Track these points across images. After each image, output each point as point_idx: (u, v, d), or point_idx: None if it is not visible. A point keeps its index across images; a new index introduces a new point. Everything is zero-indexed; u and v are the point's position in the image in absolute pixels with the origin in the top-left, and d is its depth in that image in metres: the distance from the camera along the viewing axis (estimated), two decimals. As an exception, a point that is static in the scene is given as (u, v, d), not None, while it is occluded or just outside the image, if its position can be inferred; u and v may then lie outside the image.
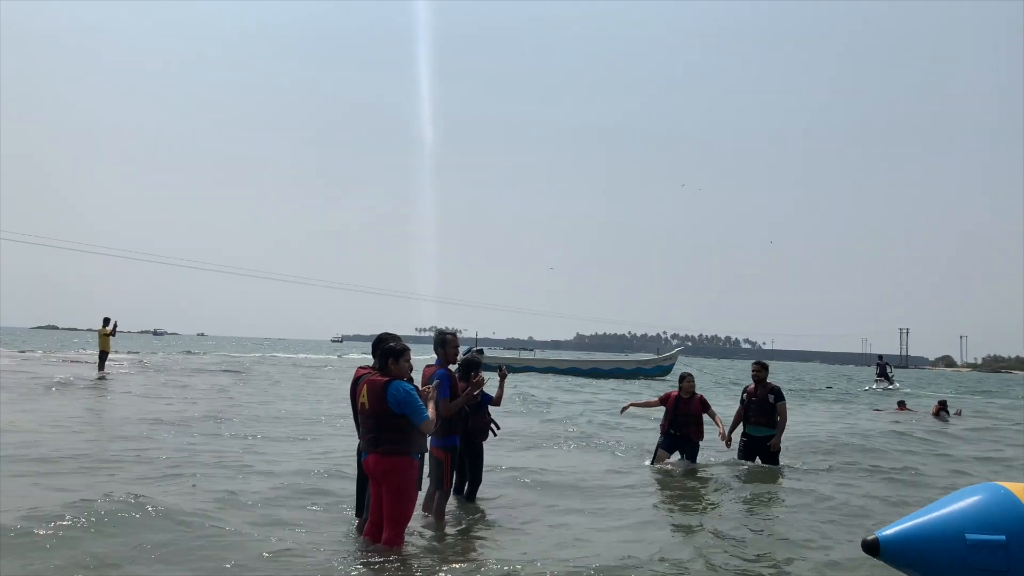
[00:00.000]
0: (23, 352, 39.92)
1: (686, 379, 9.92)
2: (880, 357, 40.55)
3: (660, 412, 10.26)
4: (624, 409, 10.62)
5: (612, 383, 34.15)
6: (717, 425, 9.71)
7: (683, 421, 9.75)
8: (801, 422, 17.20)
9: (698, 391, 9.97)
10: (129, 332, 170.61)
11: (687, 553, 5.97)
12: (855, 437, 14.35)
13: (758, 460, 9.91)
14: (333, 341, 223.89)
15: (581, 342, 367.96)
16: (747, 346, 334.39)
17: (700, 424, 9.77)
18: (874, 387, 36.99)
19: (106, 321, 24.21)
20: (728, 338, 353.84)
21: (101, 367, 24.39)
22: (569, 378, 36.15)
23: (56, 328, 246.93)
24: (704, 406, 9.80)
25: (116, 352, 34.28)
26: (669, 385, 25.92)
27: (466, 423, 7.22)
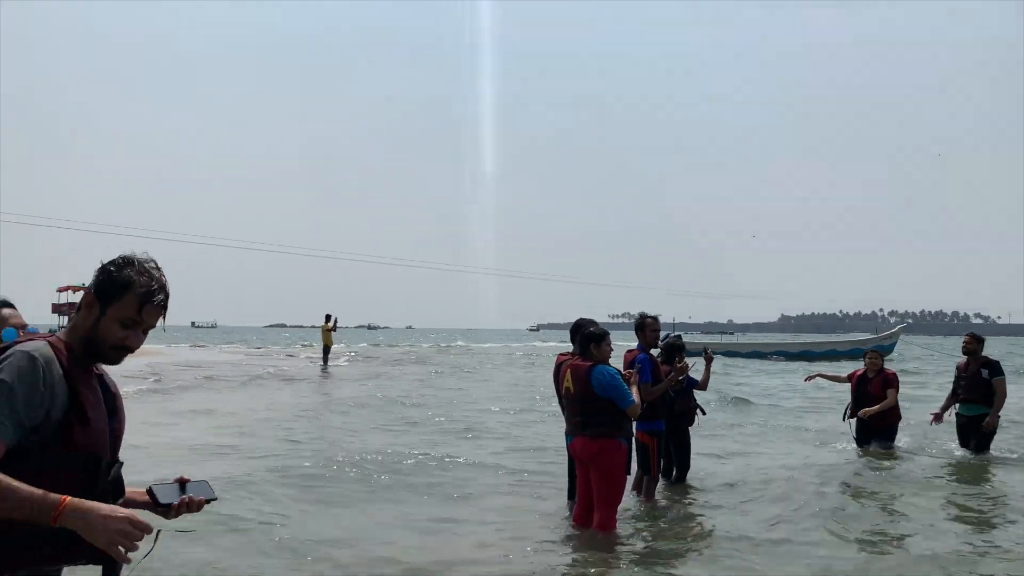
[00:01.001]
0: (259, 348, 44.36)
1: (870, 355, 9.08)
2: None
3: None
4: (810, 378, 9.91)
5: (824, 365, 32.04)
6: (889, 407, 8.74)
7: (863, 403, 8.92)
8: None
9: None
10: (346, 327, 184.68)
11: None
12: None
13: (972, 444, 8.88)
14: (530, 330, 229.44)
15: (786, 323, 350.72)
16: (978, 321, 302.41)
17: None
18: None
19: (327, 318, 26.20)
20: (955, 313, 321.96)
21: (325, 361, 26.47)
22: (777, 362, 34.36)
23: (285, 326, 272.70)
24: (887, 383, 8.81)
25: (337, 345, 37.10)
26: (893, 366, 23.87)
27: (671, 408, 7.09)
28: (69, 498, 1.75)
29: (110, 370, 2.11)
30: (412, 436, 10.70)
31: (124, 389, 2.84)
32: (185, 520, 2.16)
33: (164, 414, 12.26)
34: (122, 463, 2.01)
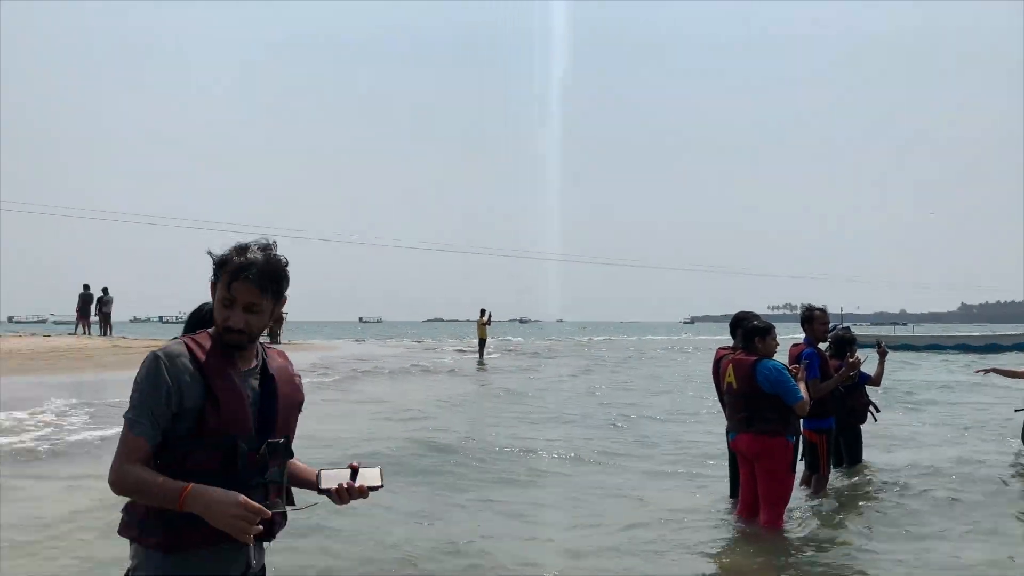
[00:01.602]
0: (419, 342, 46.10)
1: None
2: None
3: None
4: (985, 372, 8.93)
5: (1010, 357, 29.07)
6: None
7: None
8: None
9: None
10: (499, 321, 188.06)
11: None
12: None
13: None
14: (684, 323, 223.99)
15: (967, 313, 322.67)
16: None
17: None
18: None
19: (482, 312, 26.90)
20: None
21: (481, 353, 27.17)
22: (957, 356, 31.52)
23: (441, 320, 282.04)
24: None
25: (490, 338, 37.90)
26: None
27: (842, 404, 6.75)
28: (191, 486, 1.91)
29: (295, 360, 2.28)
30: (568, 429, 10.78)
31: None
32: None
33: (335, 403, 13.03)
34: (281, 441, 2.10)
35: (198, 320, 2.42)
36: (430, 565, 4.87)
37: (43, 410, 11.14)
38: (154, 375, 1.98)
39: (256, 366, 2.13)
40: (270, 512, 1.96)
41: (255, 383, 2.11)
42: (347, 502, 2.11)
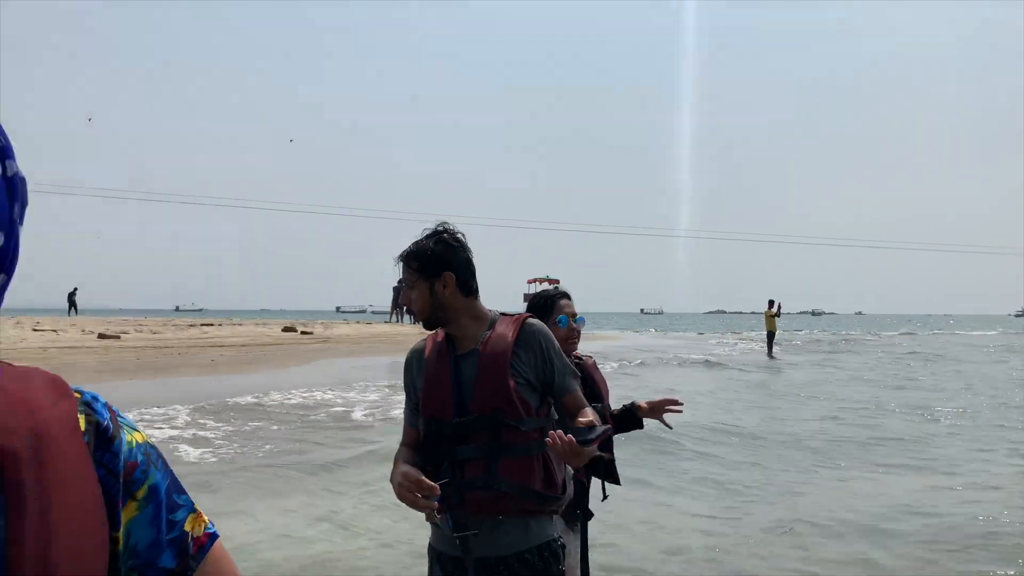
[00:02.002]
0: (700, 334, 45.17)
1: None
2: None
3: None
4: None
5: None
6: None
7: None
8: None
9: None
10: (789, 313, 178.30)
11: None
12: None
13: None
14: (1016, 315, 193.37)
15: None
16: None
17: None
18: None
19: (771, 303, 25.56)
20: None
21: (770, 347, 25.86)
22: None
23: (724, 312, 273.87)
24: None
25: (780, 331, 36.05)
26: None
27: None
28: (397, 461, 2.13)
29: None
30: (876, 423, 9.87)
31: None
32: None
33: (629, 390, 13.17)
34: (479, 417, 2.10)
35: (535, 306, 2.75)
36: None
37: (368, 386, 12.64)
38: (405, 369, 2.30)
39: (476, 347, 2.18)
40: (437, 489, 1.96)
41: (470, 364, 2.17)
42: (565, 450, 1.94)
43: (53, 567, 0.66)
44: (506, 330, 2.20)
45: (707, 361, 21.69)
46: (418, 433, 2.20)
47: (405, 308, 29.36)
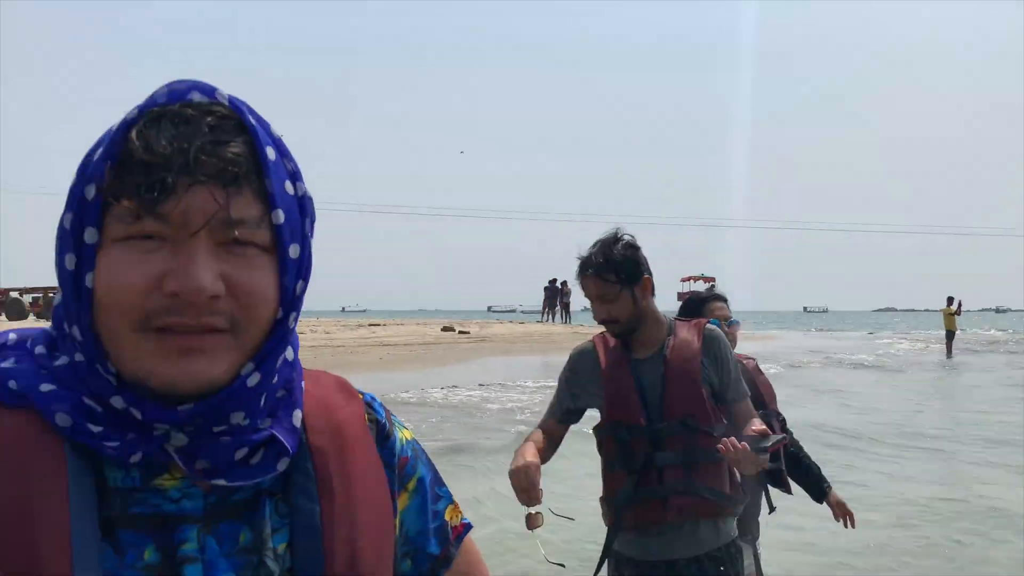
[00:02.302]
0: (871, 333, 42.51)
1: None
2: None
3: None
4: None
5: None
6: None
7: None
8: None
9: None
10: (969, 311, 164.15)
11: None
12: None
13: None
14: None
15: None
16: None
17: None
18: None
19: (950, 300, 23.75)
20: None
21: (949, 348, 24.02)
22: None
23: (894, 310, 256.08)
24: None
25: (960, 331, 33.42)
26: None
27: None
28: (529, 443, 2.16)
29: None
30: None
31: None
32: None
33: (794, 391, 12.70)
34: (675, 423, 2.13)
35: (687, 308, 2.70)
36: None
37: (518, 385, 12.91)
38: (566, 369, 2.32)
39: (657, 351, 2.20)
40: (539, 500, 1.99)
41: (653, 369, 2.18)
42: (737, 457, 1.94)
43: (358, 547, 0.75)
44: (690, 336, 2.22)
45: (880, 363, 20.43)
46: (558, 425, 2.29)
47: (559, 308, 29.63)
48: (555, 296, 29.64)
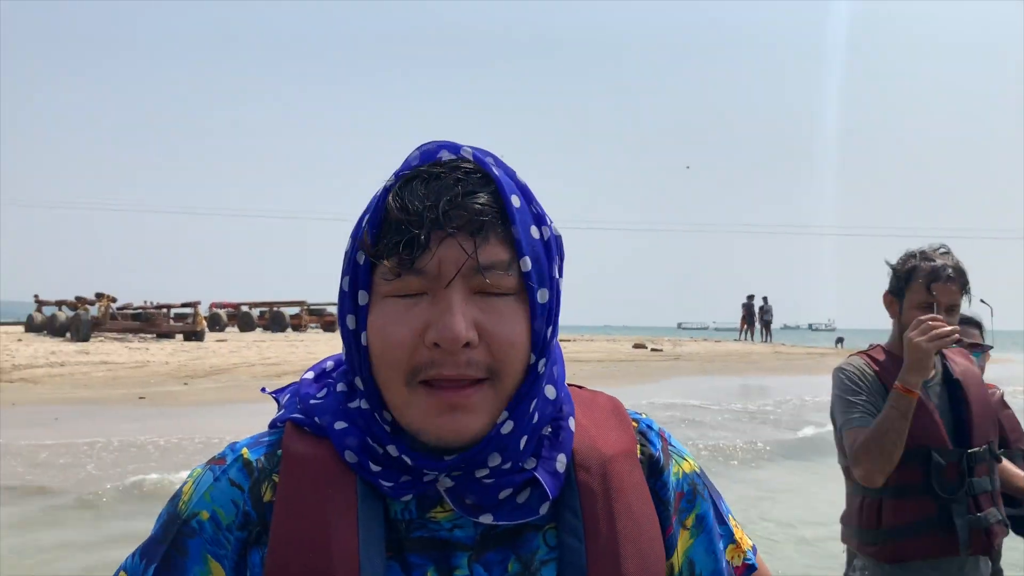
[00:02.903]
0: None
1: None
2: None
3: None
4: None
5: None
6: None
7: None
8: None
9: None
10: None
11: None
12: None
13: None
14: None
15: None
16: None
17: None
18: None
19: None
20: None
21: None
22: None
23: None
24: None
25: None
26: None
27: None
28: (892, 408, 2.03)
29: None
30: None
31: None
32: None
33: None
34: (983, 449, 2.08)
35: None
36: None
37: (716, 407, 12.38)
38: (847, 381, 2.16)
39: (936, 374, 2.15)
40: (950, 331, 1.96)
41: (940, 392, 2.13)
42: None
43: None
44: (967, 361, 2.22)
45: None
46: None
47: (759, 325, 28.37)
48: (751, 313, 28.43)
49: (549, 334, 0.75)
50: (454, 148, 0.76)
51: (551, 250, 0.76)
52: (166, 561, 0.75)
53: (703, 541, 0.84)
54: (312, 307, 28.04)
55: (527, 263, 0.72)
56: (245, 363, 16.22)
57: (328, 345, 20.34)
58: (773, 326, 29.09)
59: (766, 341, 27.97)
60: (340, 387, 0.79)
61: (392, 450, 0.74)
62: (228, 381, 14.27)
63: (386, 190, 0.74)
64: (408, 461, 0.73)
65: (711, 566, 0.84)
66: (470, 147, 0.76)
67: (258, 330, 26.06)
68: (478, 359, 0.71)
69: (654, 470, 0.82)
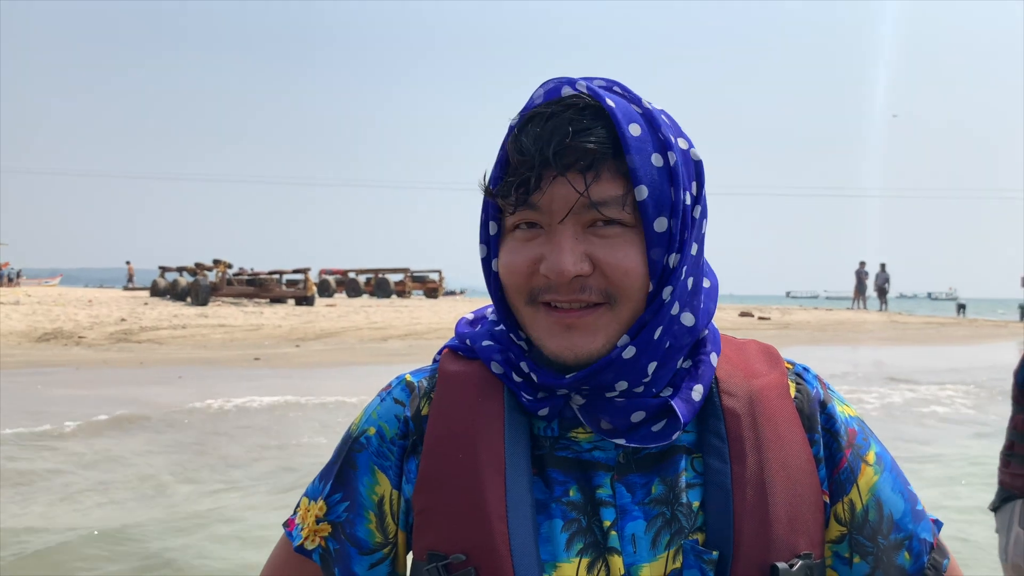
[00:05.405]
0: None
1: None
2: None
3: None
4: None
5: None
6: None
7: None
8: None
9: None
10: None
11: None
12: None
13: None
14: None
15: None
16: None
17: None
18: None
19: None
20: None
21: None
22: None
23: None
24: None
25: None
26: None
27: None
28: None
29: None
30: None
31: None
32: None
33: None
34: None
35: None
36: None
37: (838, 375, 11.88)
38: None
39: None
40: None
41: None
42: None
43: (770, 514, 0.75)
44: None
45: None
46: None
47: (874, 293, 27.10)
48: (864, 280, 27.13)
49: (672, 262, 0.75)
50: (572, 83, 0.78)
51: (677, 176, 0.75)
52: (340, 478, 0.84)
53: (888, 480, 0.82)
54: (415, 274, 28.77)
55: (643, 191, 0.73)
56: (353, 327, 16.73)
57: (431, 311, 20.71)
58: (889, 295, 27.66)
59: (882, 310, 26.69)
60: (491, 318, 0.88)
61: (524, 366, 0.79)
62: (337, 344, 14.76)
63: (510, 129, 0.78)
64: (534, 378, 0.78)
65: (902, 506, 0.81)
66: (585, 80, 0.77)
67: (364, 296, 26.91)
68: (592, 285, 0.74)
69: (816, 406, 0.82)
